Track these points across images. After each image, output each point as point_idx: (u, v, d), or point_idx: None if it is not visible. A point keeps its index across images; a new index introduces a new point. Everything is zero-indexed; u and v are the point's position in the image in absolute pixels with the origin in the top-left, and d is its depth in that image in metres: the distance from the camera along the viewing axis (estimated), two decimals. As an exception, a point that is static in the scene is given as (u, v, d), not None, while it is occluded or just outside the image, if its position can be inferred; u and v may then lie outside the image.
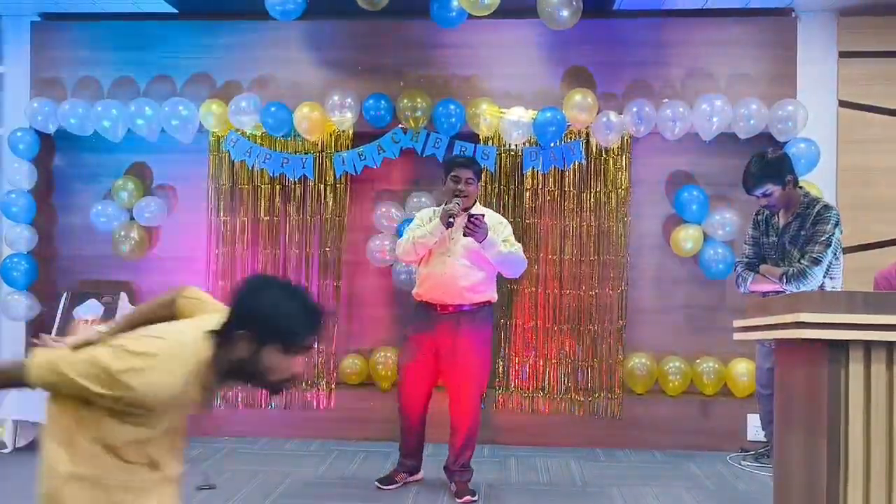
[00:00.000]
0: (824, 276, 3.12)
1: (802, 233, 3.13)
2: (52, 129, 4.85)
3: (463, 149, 4.65)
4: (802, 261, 3.10)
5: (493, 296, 3.74)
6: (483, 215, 3.56)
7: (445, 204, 3.59)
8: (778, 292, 3.16)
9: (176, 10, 4.88)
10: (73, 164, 5.10)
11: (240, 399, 4.85)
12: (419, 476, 3.90)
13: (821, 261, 3.06)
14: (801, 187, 3.25)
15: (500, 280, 4.73)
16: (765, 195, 3.21)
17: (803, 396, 2.24)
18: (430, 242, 3.60)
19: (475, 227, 3.47)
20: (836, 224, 3.11)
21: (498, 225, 3.67)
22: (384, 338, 4.93)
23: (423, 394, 3.74)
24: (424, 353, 3.67)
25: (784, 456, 2.41)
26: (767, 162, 3.22)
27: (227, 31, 4.92)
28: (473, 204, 3.68)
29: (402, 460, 3.86)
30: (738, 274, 3.35)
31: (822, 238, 3.07)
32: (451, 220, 3.50)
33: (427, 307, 3.68)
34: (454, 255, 3.61)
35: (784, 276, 3.12)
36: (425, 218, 3.75)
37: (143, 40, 4.95)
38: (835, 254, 3.12)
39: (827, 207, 3.14)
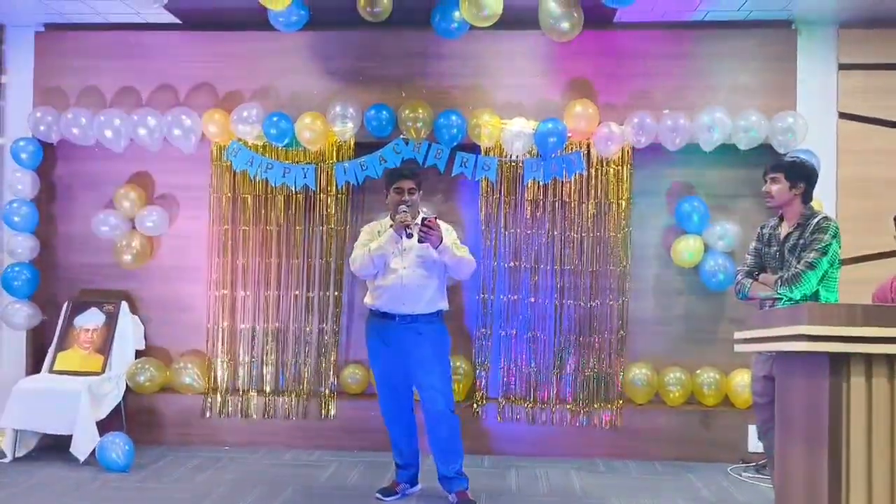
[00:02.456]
0: (820, 286, 3.14)
1: (801, 241, 3.19)
2: (54, 138, 4.87)
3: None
4: (797, 265, 3.15)
5: (446, 304, 3.82)
6: (436, 217, 3.64)
7: (392, 216, 3.67)
8: (775, 300, 3.19)
9: (179, 21, 4.91)
10: (75, 174, 5.12)
11: (240, 409, 4.84)
12: (418, 487, 3.90)
13: (815, 266, 3.10)
14: (810, 207, 3.27)
15: (500, 290, 4.76)
16: (772, 180, 3.28)
17: (804, 409, 2.24)
18: (387, 253, 3.65)
19: (429, 231, 3.53)
20: (835, 235, 3.14)
21: (445, 232, 3.70)
22: (385, 348, 4.92)
23: (402, 393, 3.80)
24: (391, 359, 3.72)
25: (785, 468, 2.41)
26: (795, 160, 3.34)
27: (229, 42, 4.94)
28: (417, 213, 3.73)
29: (399, 471, 3.88)
30: (738, 281, 3.42)
31: (819, 245, 3.12)
32: (407, 230, 3.55)
33: (384, 316, 3.72)
34: (409, 266, 3.66)
35: (779, 280, 3.17)
36: (373, 232, 3.81)
37: (146, 50, 4.97)
38: (831, 264, 3.15)
39: (826, 219, 3.20)
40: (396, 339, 3.69)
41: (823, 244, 3.11)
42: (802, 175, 3.25)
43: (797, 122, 4.51)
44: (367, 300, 3.80)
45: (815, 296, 3.15)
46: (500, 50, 4.83)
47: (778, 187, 3.26)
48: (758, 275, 3.35)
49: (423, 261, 3.67)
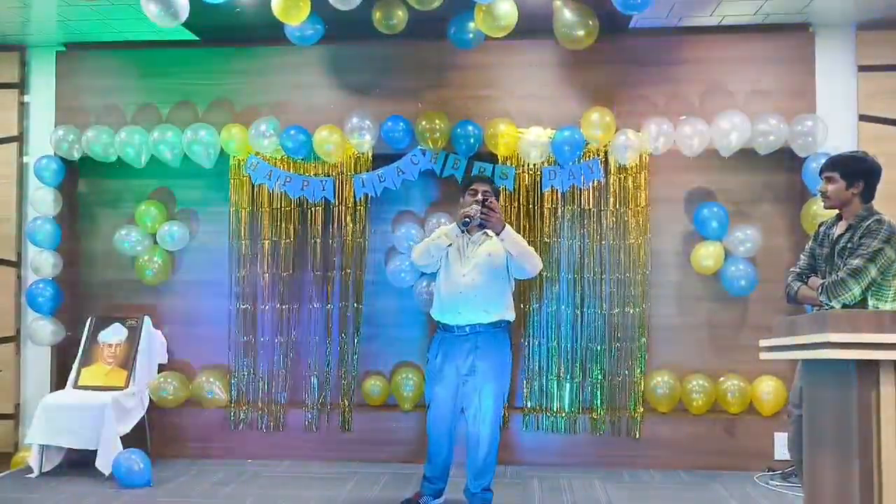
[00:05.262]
0: (869, 296, 2.95)
1: (849, 245, 2.99)
2: (76, 156, 4.93)
3: (482, 169, 4.67)
4: (839, 272, 2.96)
5: (510, 314, 3.75)
6: (496, 198, 3.60)
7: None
8: (821, 306, 3.08)
9: (198, 38, 4.96)
10: (96, 191, 5.18)
11: (262, 422, 4.86)
12: (441, 500, 3.88)
13: (858, 273, 2.89)
14: (867, 206, 3.05)
15: (521, 300, 4.74)
16: (827, 180, 3.07)
17: (834, 417, 2.21)
18: (443, 244, 3.66)
19: (490, 213, 3.48)
20: (887, 241, 2.91)
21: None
22: (406, 358, 4.93)
23: (451, 417, 3.75)
24: (448, 376, 3.69)
25: (815, 477, 2.37)
26: (853, 155, 3.12)
27: (246, 58, 4.99)
28: None
29: (426, 483, 3.85)
30: (787, 283, 3.25)
31: (865, 251, 2.91)
32: (466, 219, 3.51)
33: (445, 329, 3.71)
34: (469, 273, 3.63)
35: (821, 287, 3.01)
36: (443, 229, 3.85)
37: (166, 67, 5.03)
38: (883, 273, 2.92)
39: (879, 221, 2.96)
40: (454, 353, 3.65)
41: (871, 250, 2.89)
42: (860, 172, 3.01)
43: (817, 125, 4.46)
44: (432, 310, 3.81)
45: (861, 306, 2.93)
46: (516, 59, 4.83)
47: (833, 187, 3.03)
48: (808, 278, 3.16)
49: (484, 266, 3.62)
